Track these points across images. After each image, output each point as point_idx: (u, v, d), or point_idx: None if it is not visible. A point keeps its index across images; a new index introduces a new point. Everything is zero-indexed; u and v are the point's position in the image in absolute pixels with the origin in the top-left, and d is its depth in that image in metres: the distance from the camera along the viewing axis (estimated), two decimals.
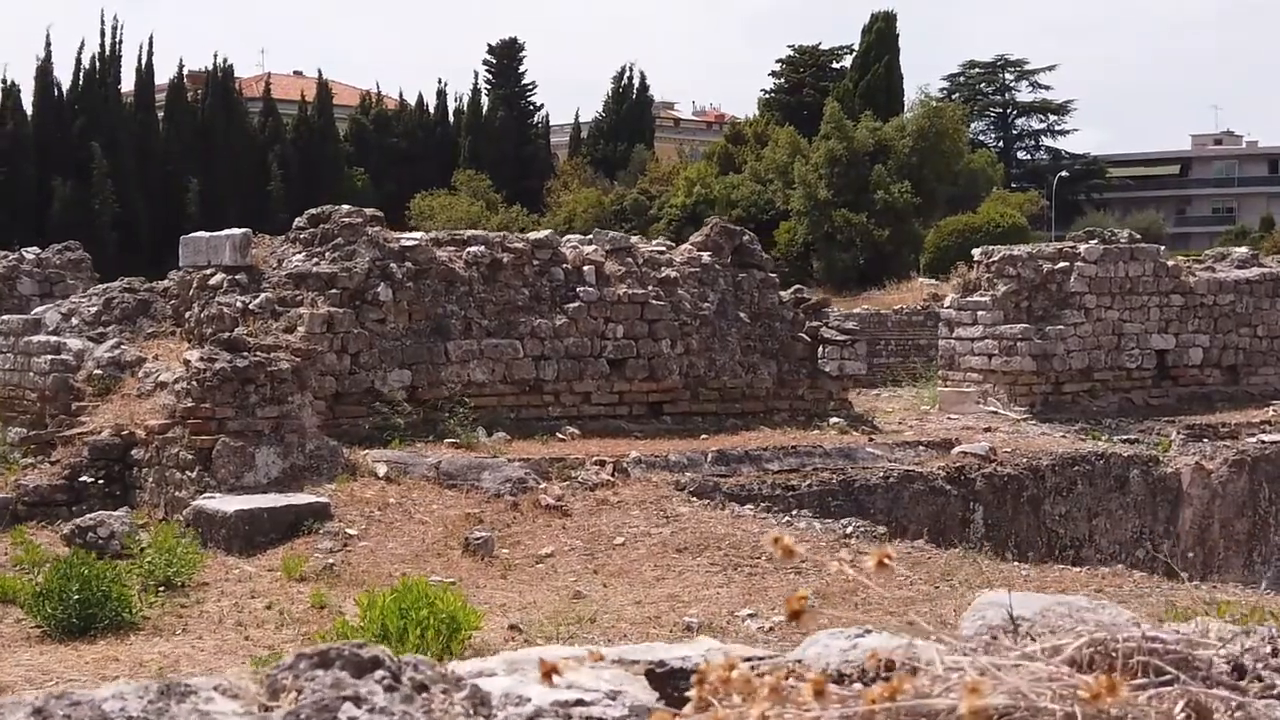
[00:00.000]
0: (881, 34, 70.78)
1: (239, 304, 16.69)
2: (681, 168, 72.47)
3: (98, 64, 72.31)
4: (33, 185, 69.36)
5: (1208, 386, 22.91)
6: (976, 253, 22.56)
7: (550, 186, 74.88)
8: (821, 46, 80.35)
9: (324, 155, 75.50)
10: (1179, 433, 20.17)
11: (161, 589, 12.53)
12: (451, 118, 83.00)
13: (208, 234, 18.04)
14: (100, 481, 15.57)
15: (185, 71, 77.37)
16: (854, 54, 73.62)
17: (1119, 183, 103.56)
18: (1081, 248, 22.16)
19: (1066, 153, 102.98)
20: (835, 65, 78.46)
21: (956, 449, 17.93)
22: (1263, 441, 19.97)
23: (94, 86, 72.28)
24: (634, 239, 19.81)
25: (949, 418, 20.85)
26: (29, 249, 22.65)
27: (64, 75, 72.82)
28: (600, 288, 18.23)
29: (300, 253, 17.34)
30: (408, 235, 17.68)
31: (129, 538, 13.35)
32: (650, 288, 18.49)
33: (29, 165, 69.60)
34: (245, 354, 15.16)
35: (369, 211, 17.69)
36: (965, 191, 65.02)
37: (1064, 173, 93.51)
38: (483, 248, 17.79)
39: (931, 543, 16.76)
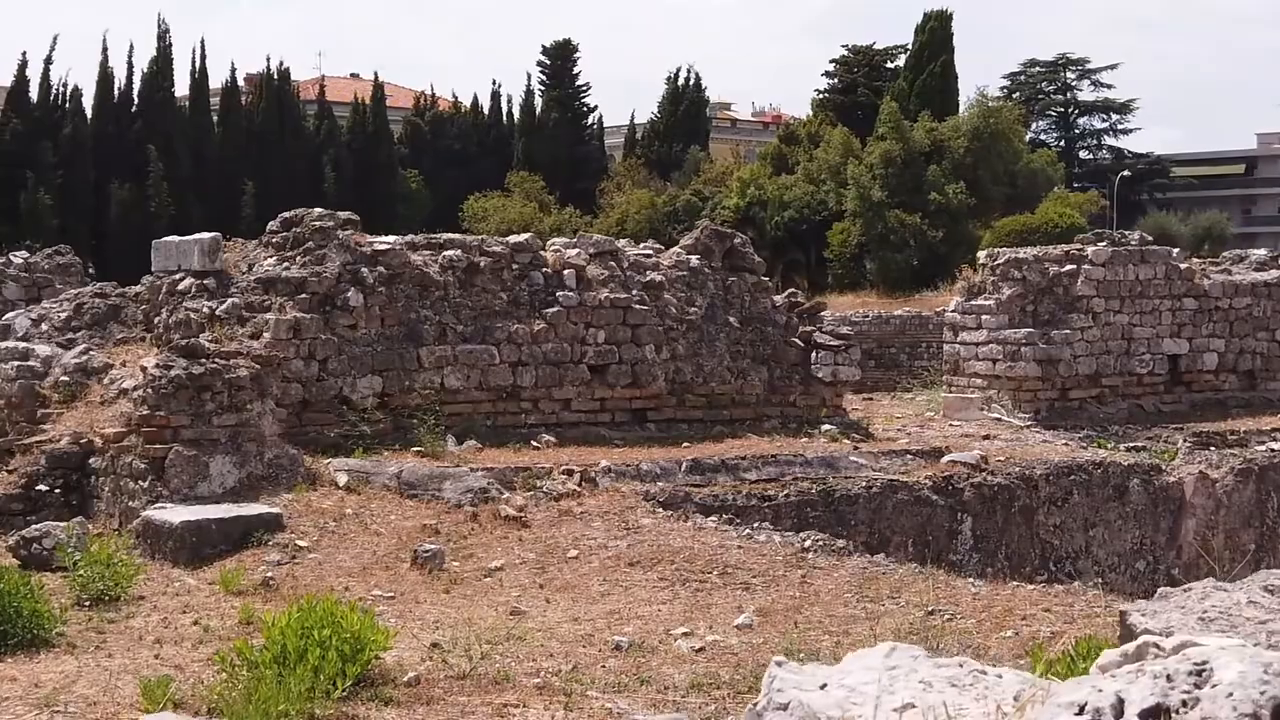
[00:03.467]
0: (935, 33, 69.99)
1: (206, 309, 16.41)
2: (735, 168, 72.02)
3: (154, 68, 72.60)
4: (90, 188, 69.74)
5: (1223, 393, 22.28)
6: (981, 255, 22.05)
7: (604, 188, 74.59)
8: (875, 46, 79.59)
9: (378, 158, 75.55)
10: (1185, 440, 19.57)
11: (93, 603, 12.25)
12: (505, 119, 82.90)
13: (178, 238, 17.78)
14: (58, 491, 15.31)
15: (244, 75, 77.67)
16: (908, 53, 72.89)
17: (1183, 182, 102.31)
18: (1089, 250, 21.57)
19: (1129, 152, 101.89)
20: (889, 65, 77.75)
21: (946, 457, 17.43)
22: (1272, 450, 19.35)
23: (150, 91, 72.61)
24: (620, 242, 19.38)
25: (951, 424, 20.35)
26: (16, 253, 22.46)
27: (122, 80, 73.20)
28: (581, 292, 17.83)
29: (271, 257, 17.04)
30: (381, 239, 17.31)
31: (62, 549, 13.04)
32: (634, 292, 18.08)
33: (88, 168, 69.99)
34: (203, 361, 14.84)
35: (342, 215, 17.35)
36: (1025, 192, 64.28)
37: (1126, 172, 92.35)
38: (459, 252, 17.43)
39: (916, 555, 16.37)
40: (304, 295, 16.44)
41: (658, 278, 18.35)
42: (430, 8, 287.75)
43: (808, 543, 13.59)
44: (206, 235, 17.23)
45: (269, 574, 12.83)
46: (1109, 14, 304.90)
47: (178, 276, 17.17)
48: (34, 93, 70.78)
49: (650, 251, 19.12)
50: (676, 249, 19.36)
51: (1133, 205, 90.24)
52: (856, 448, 17.46)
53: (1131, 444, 19.59)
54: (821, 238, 62.47)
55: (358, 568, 13.30)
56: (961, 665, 2.39)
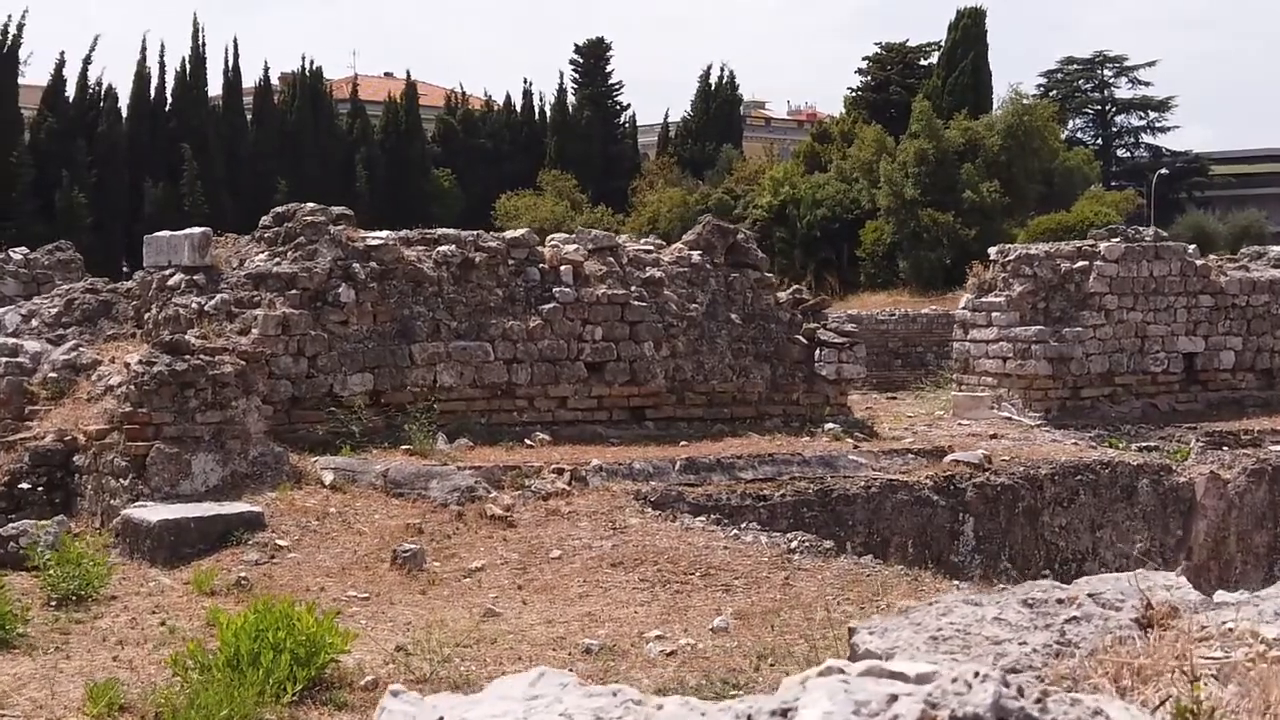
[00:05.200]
0: (968, 31, 69.28)
1: (195, 305, 16.19)
2: (767, 167, 71.56)
3: (189, 67, 72.63)
4: (125, 187, 69.77)
5: (1240, 391, 21.82)
6: (992, 251, 21.63)
7: (636, 187, 74.17)
8: (909, 44, 78.89)
9: (411, 156, 75.31)
10: (1198, 440, 19.15)
11: (62, 603, 12.03)
12: (538, 118, 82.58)
13: (169, 233, 17.56)
14: (40, 489, 15.10)
15: (278, 74, 77.66)
16: (940, 51, 72.24)
17: (1221, 181, 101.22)
18: (1102, 246, 21.14)
19: (1167, 150, 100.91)
20: (923, 63, 77.02)
21: (948, 457, 17.08)
22: None
23: (184, 90, 72.63)
24: (620, 238, 19.09)
25: (960, 423, 19.99)
26: (17, 249, 22.27)
27: (157, 79, 73.22)
28: (578, 288, 17.53)
29: (263, 252, 16.81)
30: (373, 234, 17.05)
31: (31, 549, 12.83)
32: (633, 288, 17.77)
33: (122, 167, 70.01)
34: (186, 357, 14.62)
35: (335, 210, 17.10)
36: (1061, 190, 63.70)
37: (1163, 170, 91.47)
38: (453, 247, 17.17)
39: (917, 556, 16.05)
40: (294, 291, 16.21)
41: (657, 274, 18.05)
42: (464, 7, 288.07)
43: (794, 544, 13.29)
44: (197, 230, 17.01)
45: (243, 574, 12.60)
46: (1147, 12, 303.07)
47: (168, 272, 16.96)
48: (71, 92, 70.82)
49: (651, 247, 18.82)
50: (678, 244, 19.05)
51: (1170, 204, 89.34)
52: (856, 447, 17.13)
53: (1144, 444, 19.18)
54: (854, 236, 61.99)
55: (337, 568, 13.07)
56: (615, 694, 2.10)
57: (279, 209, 17.33)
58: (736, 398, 18.28)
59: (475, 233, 17.74)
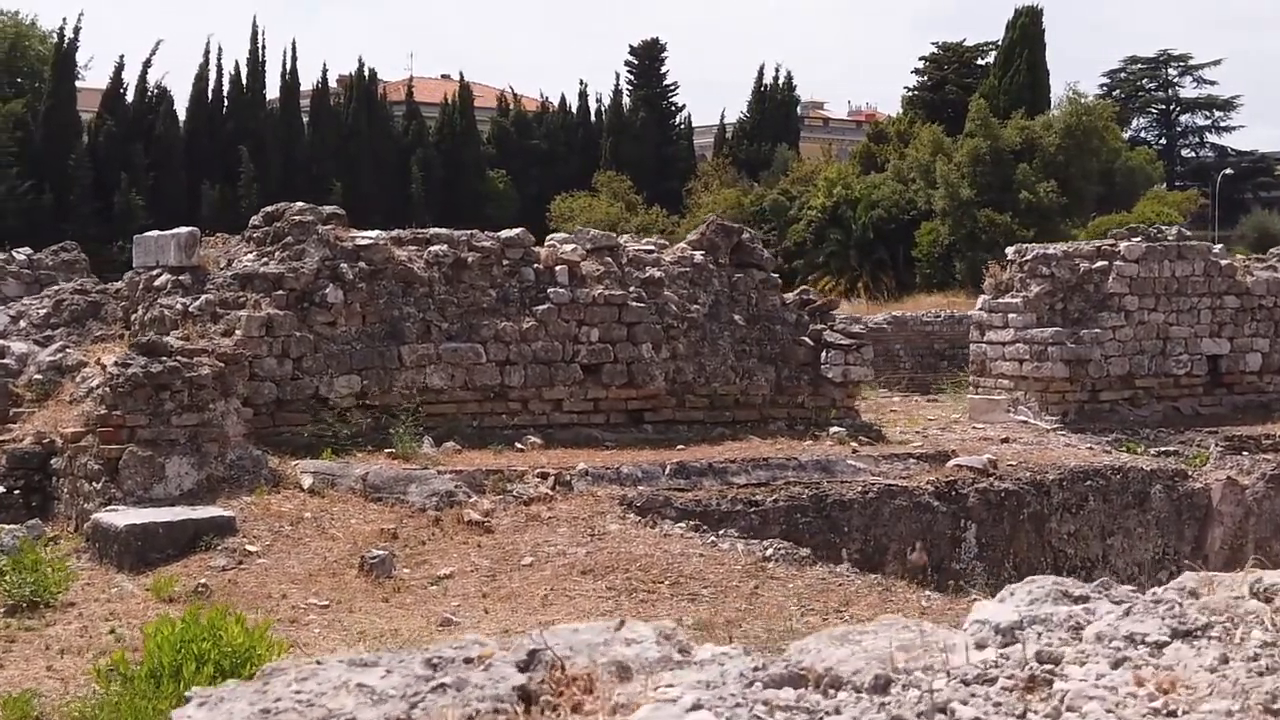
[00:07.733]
0: (1025, 30, 68.44)
1: (180, 306, 15.94)
2: (823, 167, 70.95)
3: (247, 70, 72.85)
4: (183, 189, 69.97)
5: (1268, 395, 21.18)
6: (1010, 251, 21.08)
7: (691, 188, 73.71)
8: (966, 43, 78.17)
9: (465, 158, 75.19)
10: (1217, 445, 18.59)
11: (15, 610, 11.77)
12: (595, 119, 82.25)
13: (158, 233, 17.32)
14: (18, 492, 14.87)
15: (336, 76, 77.77)
16: (997, 50, 71.44)
17: None
18: (1121, 246, 20.58)
19: (1232, 150, 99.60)
20: (980, 62, 76.27)
21: (952, 461, 16.61)
22: None
23: (242, 93, 72.84)
24: (622, 238, 18.71)
25: (974, 427, 19.49)
26: (20, 249, 22.10)
27: (214, 82, 73.43)
28: (574, 288, 17.16)
29: (251, 252, 16.55)
30: (363, 234, 16.73)
31: None
32: (632, 289, 17.39)
33: (180, 170, 70.23)
34: (162, 359, 14.35)
35: (326, 209, 16.82)
36: (1122, 190, 62.89)
37: (1228, 170, 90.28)
38: (445, 247, 16.84)
39: (915, 563, 15.62)
40: (280, 292, 15.93)
41: (658, 274, 17.66)
42: (520, 8, 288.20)
43: (769, 551, 12.89)
44: (184, 230, 16.76)
45: (205, 581, 12.32)
46: (1211, 10, 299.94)
47: (155, 272, 16.73)
48: (130, 95, 71.14)
49: (652, 247, 18.43)
50: (681, 244, 18.69)
51: (1235, 204, 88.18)
52: (856, 451, 16.68)
53: (1163, 448, 18.64)
54: (910, 237, 61.39)
55: (304, 574, 12.77)
56: None
57: (268, 208, 17.08)
58: (739, 400, 17.87)
59: (469, 232, 17.40)
